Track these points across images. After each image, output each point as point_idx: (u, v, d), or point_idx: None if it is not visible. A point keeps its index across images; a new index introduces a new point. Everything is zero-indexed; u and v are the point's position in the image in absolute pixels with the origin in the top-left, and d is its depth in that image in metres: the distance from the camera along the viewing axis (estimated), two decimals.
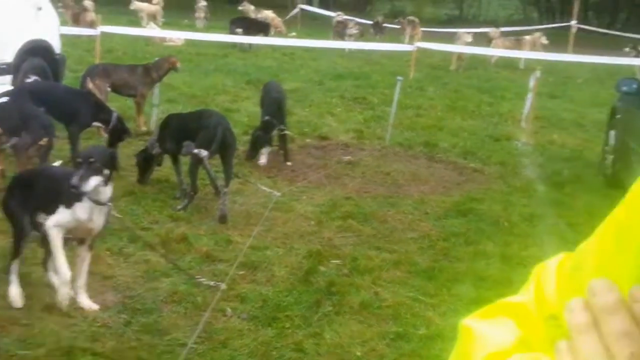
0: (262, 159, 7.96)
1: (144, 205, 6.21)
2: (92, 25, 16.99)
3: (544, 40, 18.76)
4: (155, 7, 22.84)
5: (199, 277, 4.75)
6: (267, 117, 7.86)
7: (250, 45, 18.34)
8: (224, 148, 6.25)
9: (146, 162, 6.77)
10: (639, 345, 0.53)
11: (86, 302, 4.25)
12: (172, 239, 5.42)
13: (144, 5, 22.84)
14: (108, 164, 4.03)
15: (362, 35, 21.53)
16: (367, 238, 5.90)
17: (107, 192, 4.09)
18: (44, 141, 6.19)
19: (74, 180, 3.88)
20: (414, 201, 7.00)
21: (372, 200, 6.99)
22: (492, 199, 7.17)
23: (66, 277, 4.08)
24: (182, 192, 6.53)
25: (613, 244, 0.64)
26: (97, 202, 4.05)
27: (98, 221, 4.13)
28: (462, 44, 18.06)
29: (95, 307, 4.24)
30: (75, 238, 4.21)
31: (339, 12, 25.02)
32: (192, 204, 6.24)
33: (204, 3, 24.82)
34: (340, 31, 20.70)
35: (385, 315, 4.50)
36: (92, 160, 3.99)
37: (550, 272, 0.76)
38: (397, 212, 6.64)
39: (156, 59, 9.73)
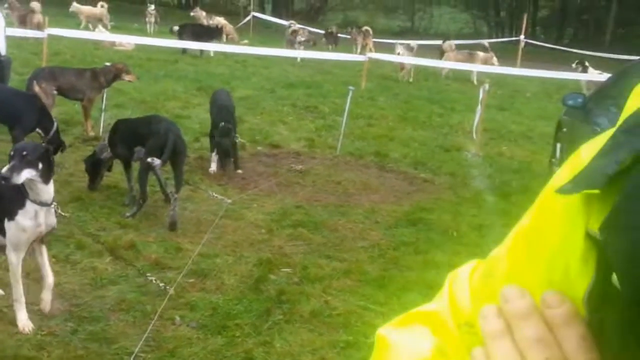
0: (213, 167, 7.90)
1: (91, 212, 6.09)
2: (39, 27, 16.71)
3: (495, 62, 19.10)
4: (99, 10, 22.55)
5: (149, 275, 4.68)
6: (222, 123, 7.79)
7: (201, 51, 18.24)
8: (174, 155, 6.18)
9: (94, 167, 6.65)
10: (552, 351, 0.54)
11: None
12: (120, 246, 5.32)
13: (85, 8, 22.62)
14: (42, 158, 3.90)
15: (314, 44, 21.63)
16: (318, 247, 5.90)
17: (48, 191, 3.98)
18: None
19: (5, 171, 3.78)
20: (364, 210, 7.03)
21: (322, 209, 6.99)
22: (442, 209, 7.25)
23: (23, 303, 4.04)
24: (131, 198, 6.43)
25: (524, 250, 0.65)
26: (41, 204, 3.95)
27: (48, 221, 4.04)
28: (401, 54, 18.21)
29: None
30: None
31: (292, 21, 25.12)
32: (141, 211, 6.14)
33: (154, 8, 24.69)
34: (292, 40, 20.75)
35: (336, 324, 4.50)
36: (24, 153, 3.88)
37: (463, 279, 0.75)
38: (347, 221, 6.66)
39: (106, 64, 9.58)
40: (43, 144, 4.07)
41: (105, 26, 21.65)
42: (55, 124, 7.11)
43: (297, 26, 22.55)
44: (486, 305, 0.59)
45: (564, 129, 8.32)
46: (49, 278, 4.16)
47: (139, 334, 4.08)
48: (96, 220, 5.93)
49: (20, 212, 3.93)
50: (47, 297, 4.13)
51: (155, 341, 4.03)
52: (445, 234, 6.48)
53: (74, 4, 22.89)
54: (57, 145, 7.04)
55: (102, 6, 22.61)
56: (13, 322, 4.03)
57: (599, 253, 0.54)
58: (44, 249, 4.19)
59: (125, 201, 6.46)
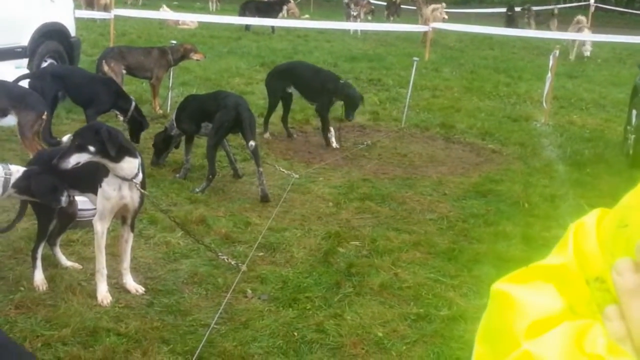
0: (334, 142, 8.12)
1: (162, 188, 6.20)
2: (105, 8, 17.04)
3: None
4: None
5: (221, 254, 4.74)
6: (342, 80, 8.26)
7: (273, 28, 18.20)
8: (245, 127, 6.22)
9: (165, 143, 6.76)
10: None
11: (131, 284, 4.32)
12: (190, 220, 5.41)
13: None
14: (94, 141, 3.97)
15: (372, 14, 21.42)
16: (386, 219, 5.87)
17: (123, 168, 4.07)
18: (45, 115, 6.18)
19: (55, 159, 3.95)
20: (432, 182, 6.95)
21: (389, 181, 6.94)
22: (512, 180, 7.10)
23: (104, 275, 4.19)
24: (185, 171, 6.53)
25: None
26: (123, 178, 4.07)
27: (132, 197, 4.17)
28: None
29: (141, 289, 4.29)
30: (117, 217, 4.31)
31: None
32: (210, 187, 6.23)
33: None
34: (349, 13, 20.55)
35: (406, 297, 4.47)
36: (72, 138, 4.08)
37: (589, 230, 0.69)
38: (415, 193, 6.60)
39: (172, 42, 9.69)
40: (99, 126, 4.14)
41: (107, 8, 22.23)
42: (134, 104, 7.23)
43: None
44: (620, 258, 0.55)
45: None
46: (126, 262, 4.30)
47: (212, 306, 4.15)
48: (167, 196, 6.04)
49: (105, 181, 4.11)
50: (103, 288, 4.23)
51: (228, 313, 4.09)
52: (515, 206, 6.35)
53: None
54: (139, 124, 7.19)
55: None
56: (91, 295, 4.16)
57: None
58: (131, 236, 4.32)
59: (177, 175, 6.55)
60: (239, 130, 6.30)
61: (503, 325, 0.69)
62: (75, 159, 3.95)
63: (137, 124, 7.17)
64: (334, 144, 8.06)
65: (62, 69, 8.34)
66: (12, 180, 4.02)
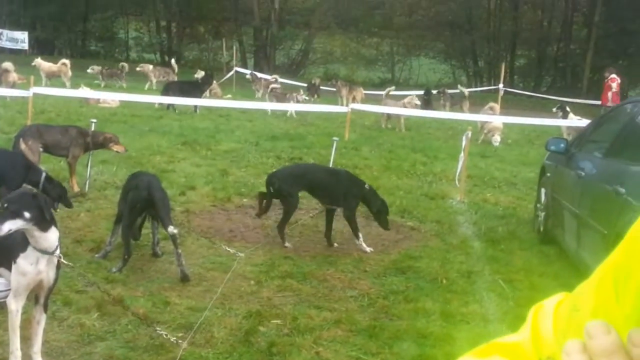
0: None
1: (78, 267, 6.03)
2: (14, 85, 17.02)
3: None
4: (58, 67, 23.06)
5: (159, 330, 4.61)
6: None
7: (196, 107, 18.35)
8: (159, 208, 6.19)
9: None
10: None
11: None
12: (107, 301, 5.26)
13: (45, 64, 23.14)
14: (29, 207, 3.86)
15: (318, 96, 22.33)
16: (307, 297, 5.86)
17: (47, 239, 3.95)
18: None
19: None
20: (353, 260, 7.02)
21: (311, 259, 6.97)
22: (430, 257, 7.25)
23: (18, 357, 4.03)
24: (104, 252, 6.43)
25: (611, 286, 0.64)
26: (42, 252, 3.94)
27: (48, 273, 4.02)
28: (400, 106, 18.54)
29: None
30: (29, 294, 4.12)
31: (275, 76, 25.42)
32: (128, 265, 6.10)
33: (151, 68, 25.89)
34: (276, 94, 20.94)
35: None
36: (6, 205, 3.88)
37: (547, 312, 0.74)
38: (336, 270, 6.64)
39: (92, 120, 9.60)
40: (33, 192, 4.03)
41: (64, 82, 22.18)
42: (44, 174, 7.09)
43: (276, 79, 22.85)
44: (570, 340, 0.58)
45: (548, 174, 8.41)
46: (37, 345, 4.12)
47: None
48: (83, 276, 5.88)
49: (22, 256, 3.95)
50: None
51: None
52: (434, 282, 6.47)
53: (37, 59, 23.57)
54: (57, 194, 7.02)
55: (63, 64, 23.09)
56: None
57: None
58: (43, 317, 4.16)
59: (96, 255, 6.42)
60: (153, 211, 6.27)
61: None
62: (8, 226, 3.79)
63: (57, 193, 7.01)
64: (368, 249, 7.39)
65: None
66: None
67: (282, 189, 7.56)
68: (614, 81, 21.15)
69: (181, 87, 19.36)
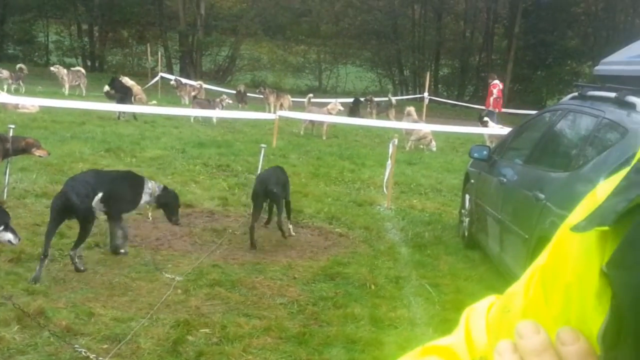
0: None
1: None
2: None
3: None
4: None
5: (77, 347, 4.47)
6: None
7: (119, 114, 18.04)
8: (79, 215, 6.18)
9: None
10: None
11: None
12: (28, 314, 5.07)
13: None
14: None
15: (245, 103, 22.25)
16: (236, 305, 5.81)
17: None
18: None
19: None
20: (281, 267, 7.00)
21: (239, 267, 6.91)
22: (358, 263, 7.30)
23: None
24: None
25: (540, 287, 0.66)
26: None
27: None
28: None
29: None
30: None
31: (200, 82, 25.20)
32: (50, 276, 5.91)
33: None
34: (199, 102, 20.74)
35: None
36: None
37: (480, 314, 0.76)
38: (265, 278, 6.61)
39: (9, 126, 9.27)
40: None
41: None
42: None
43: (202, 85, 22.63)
44: (502, 340, 0.59)
45: (472, 181, 8.60)
46: None
47: None
48: (1, 287, 5.66)
49: None
50: None
51: None
52: (363, 288, 6.51)
53: None
54: None
55: None
56: None
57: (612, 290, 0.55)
58: None
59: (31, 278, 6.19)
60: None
61: None
62: None
63: None
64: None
65: None
66: None
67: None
68: (495, 87, 21.93)
69: (122, 86, 19.64)
